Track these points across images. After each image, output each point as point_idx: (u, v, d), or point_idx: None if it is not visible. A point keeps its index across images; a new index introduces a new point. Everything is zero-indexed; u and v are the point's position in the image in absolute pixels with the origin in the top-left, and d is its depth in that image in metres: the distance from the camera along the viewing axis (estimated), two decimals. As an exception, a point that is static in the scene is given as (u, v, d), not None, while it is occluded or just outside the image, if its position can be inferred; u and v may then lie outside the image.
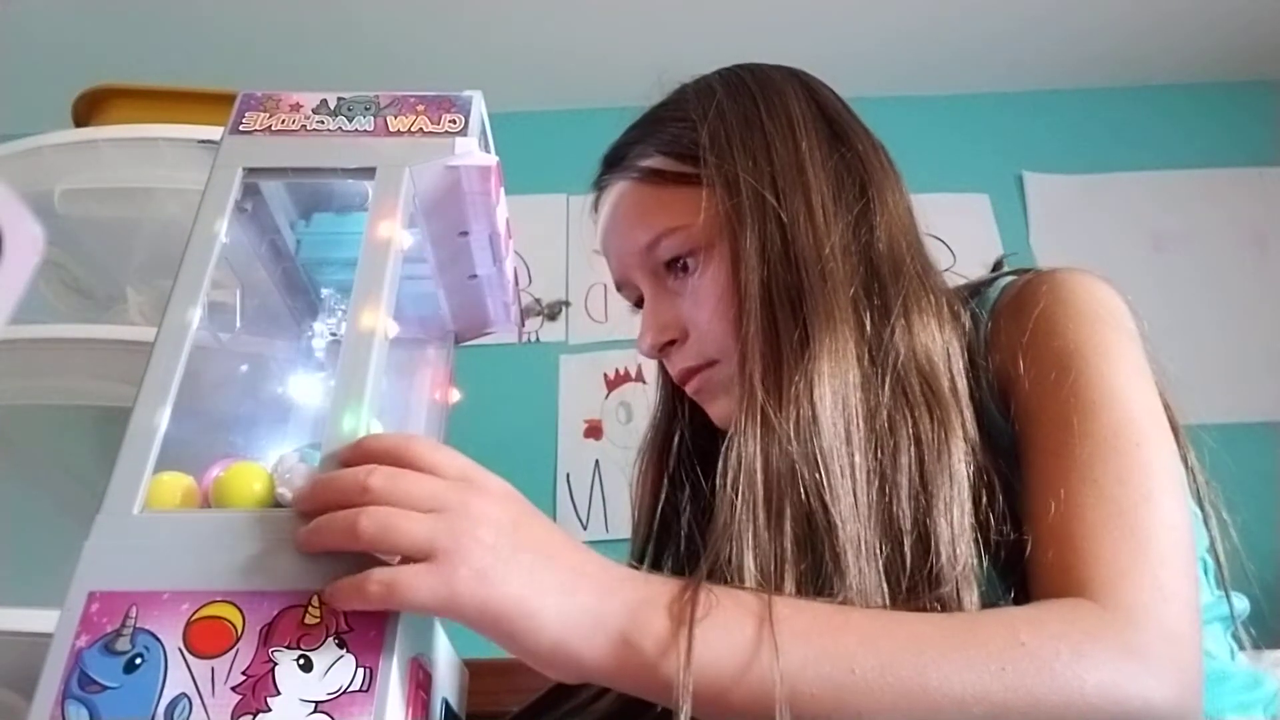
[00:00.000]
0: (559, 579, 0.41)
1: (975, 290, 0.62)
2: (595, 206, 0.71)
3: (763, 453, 0.51)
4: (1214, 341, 1.63)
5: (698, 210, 0.59)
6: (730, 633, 0.42)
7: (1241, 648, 0.59)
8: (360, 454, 0.42)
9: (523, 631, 0.40)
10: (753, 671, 0.41)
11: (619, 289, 0.70)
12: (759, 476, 0.50)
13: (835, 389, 0.52)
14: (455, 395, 0.66)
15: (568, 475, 1.55)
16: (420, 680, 0.42)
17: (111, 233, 0.94)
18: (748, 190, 0.58)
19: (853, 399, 0.53)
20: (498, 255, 0.61)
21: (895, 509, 0.50)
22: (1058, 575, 0.47)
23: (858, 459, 0.51)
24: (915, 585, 0.48)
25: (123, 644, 0.38)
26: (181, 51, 1.67)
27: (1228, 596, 0.58)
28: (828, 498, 0.49)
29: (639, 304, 0.66)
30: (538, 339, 1.67)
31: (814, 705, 0.41)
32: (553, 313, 1.70)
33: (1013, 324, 0.55)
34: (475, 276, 0.63)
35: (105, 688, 0.37)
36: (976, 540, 0.50)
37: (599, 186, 0.70)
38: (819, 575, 0.48)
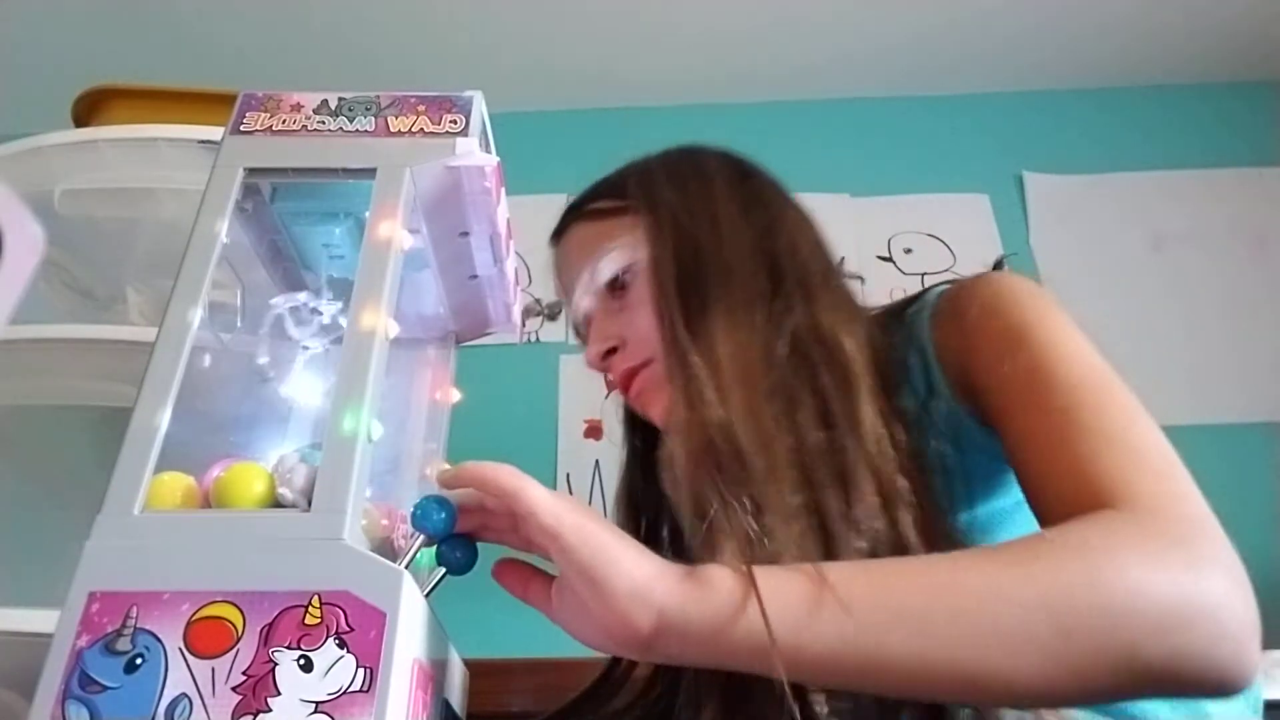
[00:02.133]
0: (635, 547, 0.45)
1: (909, 302, 0.67)
2: (555, 261, 0.77)
3: (684, 438, 0.54)
4: (1214, 341, 1.63)
5: (629, 231, 0.67)
6: (792, 589, 0.43)
7: None
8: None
9: (607, 568, 0.43)
10: (818, 626, 0.42)
11: (578, 331, 0.74)
12: (682, 465, 0.53)
13: (739, 366, 0.57)
14: (455, 395, 0.66)
15: (568, 475, 1.55)
16: (420, 680, 0.42)
17: (111, 233, 0.93)
18: (665, 211, 0.67)
19: (756, 371, 0.57)
20: (498, 255, 0.61)
21: (809, 463, 0.53)
22: (1067, 505, 0.47)
23: (765, 423, 0.55)
24: (843, 531, 0.50)
25: (123, 644, 0.38)
26: (182, 52, 1.67)
27: None
28: (746, 468, 0.52)
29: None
30: (538, 339, 1.67)
31: (882, 653, 0.42)
32: (553, 313, 1.69)
33: (955, 323, 0.60)
34: (476, 277, 0.63)
35: (106, 688, 0.37)
36: (902, 487, 0.52)
37: (552, 240, 0.77)
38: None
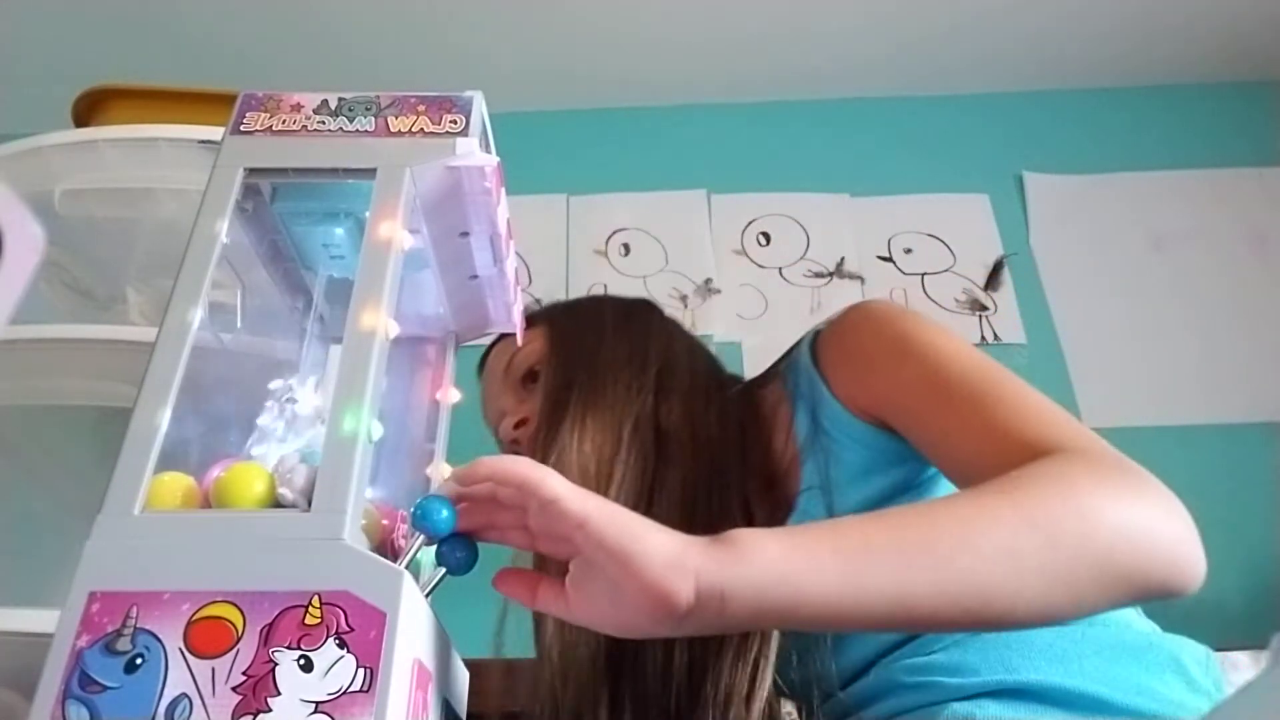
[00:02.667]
0: (657, 524, 0.46)
1: (784, 356, 0.77)
2: (482, 382, 0.91)
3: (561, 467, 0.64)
4: (1214, 342, 1.63)
5: (537, 338, 0.82)
6: (816, 544, 0.46)
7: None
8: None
9: (640, 544, 0.43)
10: (849, 575, 0.45)
11: (498, 434, 0.87)
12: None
13: (594, 464, 0.67)
14: (456, 395, 0.66)
15: (568, 475, 1.56)
16: (420, 680, 0.42)
17: (111, 233, 0.93)
18: (560, 325, 0.83)
19: (607, 468, 0.67)
20: (498, 256, 0.61)
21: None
22: (1008, 465, 0.51)
23: (612, 475, 0.67)
24: None
25: (123, 644, 0.38)
26: (182, 52, 1.67)
27: None
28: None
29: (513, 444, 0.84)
30: (538, 339, 1.68)
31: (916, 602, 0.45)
32: (553, 313, 1.70)
33: (839, 349, 0.69)
34: (476, 277, 0.63)
35: (106, 688, 0.37)
36: None
37: (479, 369, 0.92)
38: None
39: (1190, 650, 0.60)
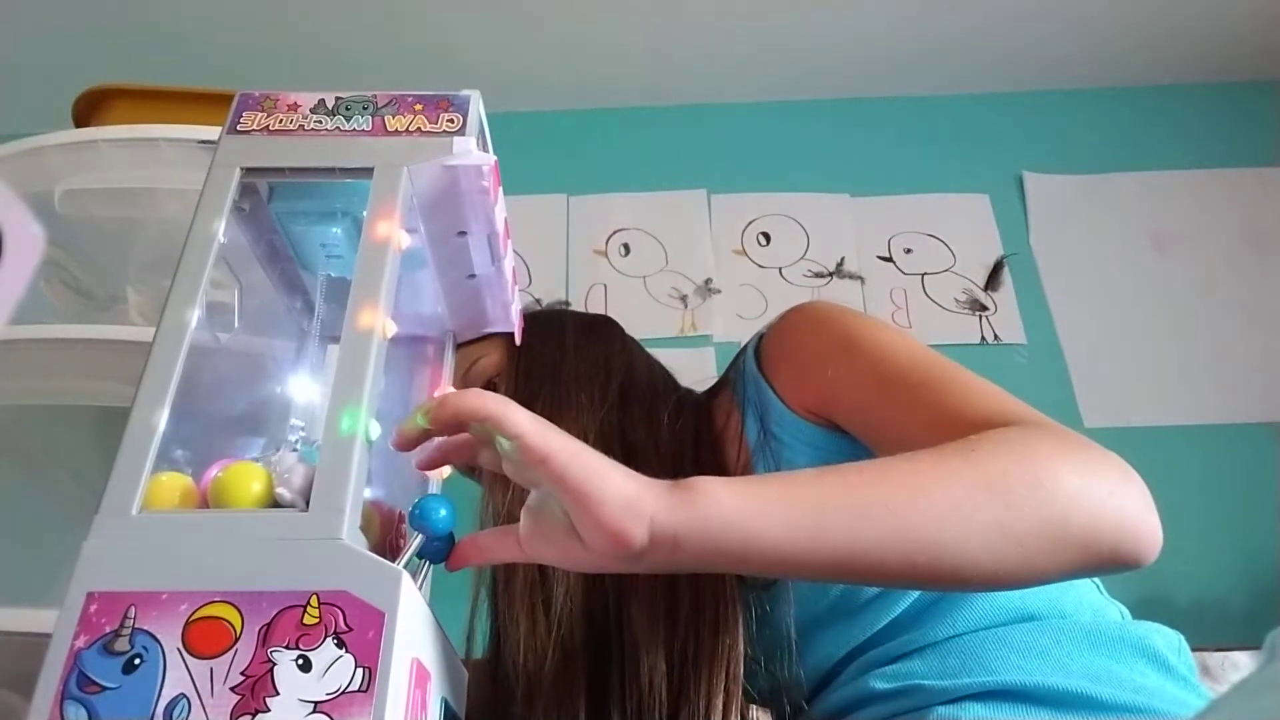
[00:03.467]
0: (618, 464, 0.47)
1: (731, 365, 0.77)
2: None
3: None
4: (1214, 341, 1.63)
5: (498, 349, 0.80)
6: (769, 494, 0.47)
7: None
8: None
9: (600, 482, 0.44)
10: (800, 523, 0.45)
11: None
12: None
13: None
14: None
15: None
16: (419, 680, 0.42)
17: (111, 233, 0.93)
18: (523, 337, 0.79)
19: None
20: (496, 255, 0.61)
21: None
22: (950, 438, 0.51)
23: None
24: None
25: (121, 644, 0.38)
26: (181, 53, 1.67)
27: None
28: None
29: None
30: (538, 339, 1.68)
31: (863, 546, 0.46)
32: (552, 313, 1.70)
33: (782, 352, 0.69)
34: (474, 276, 0.63)
35: (104, 688, 0.37)
36: None
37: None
38: None
39: (1164, 637, 0.61)
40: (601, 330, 0.85)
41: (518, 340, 0.72)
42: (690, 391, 0.82)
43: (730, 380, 0.76)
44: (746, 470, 0.69)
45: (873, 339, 0.62)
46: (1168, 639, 0.61)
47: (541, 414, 0.70)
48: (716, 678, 0.61)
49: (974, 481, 0.47)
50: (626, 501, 0.44)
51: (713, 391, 0.79)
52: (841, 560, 0.45)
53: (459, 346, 0.84)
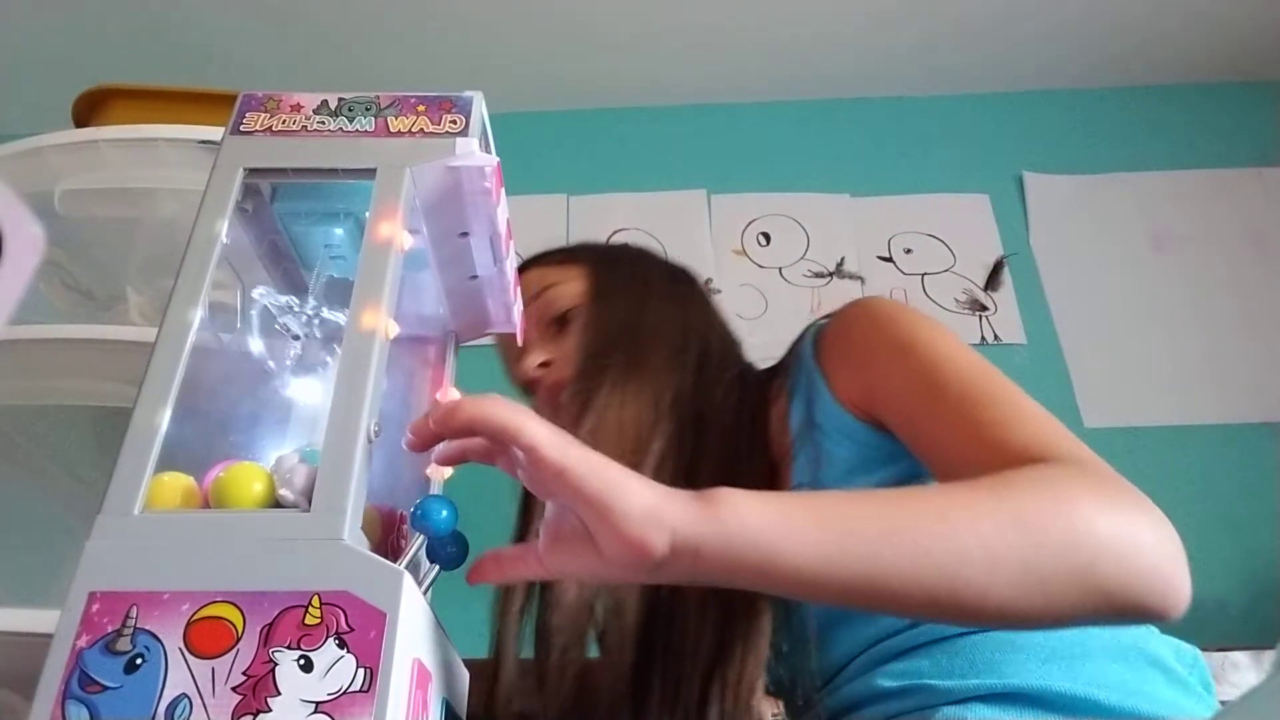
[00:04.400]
0: (638, 475, 0.46)
1: (789, 349, 0.76)
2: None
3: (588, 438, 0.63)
4: (1214, 341, 1.63)
5: (575, 279, 0.81)
6: (795, 512, 0.46)
7: None
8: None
9: (619, 494, 0.44)
10: (821, 544, 0.45)
11: (517, 366, 0.83)
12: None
13: (630, 432, 0.68)
14: (455, 395, 0.66)
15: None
16: (420, 680, 0.42)
17: (111, 233, 0.93)
18: (605, 273, 0.81)
19: (628, 434, 0.68)
20: (498, 256, 0.61)
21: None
22: (986, 472, 0.50)
23: (651, 445, 0.67)
24: None
25: (123, 644, 0.38)
26: (181, 53, 1.67)
27: None
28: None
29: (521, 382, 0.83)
30: (538, 339, 1.68)
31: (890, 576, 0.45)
32: (553, 313, 1.70)
33: (840, 344, 0.68)
34: (476, 277, 0.63)
35: (106, 688, 0.37)
36: None
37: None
38: None
39: (1179, 650, 0.61)
40: (685, 285, 0.84)
41: (519, 339, 0.72)
42: (751, 367, 0.81)
43: (786, 365, 0.75)
44: (787, 457, 0.69)
45: (929, 344, 0.61)
46: (1183, 653, 0.60)
47: (619, 364, 0.71)
48: (748, 661, 0.62)
49: (1005, 520, 0.46)
50: (646, 512, 0.44)
51: (772, 371, 0.78)
52: (863, 587, 0.45)
53: (531, 264, 0.85)
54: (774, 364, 0.79)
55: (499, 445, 0.49)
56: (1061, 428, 0.54)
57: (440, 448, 0.53)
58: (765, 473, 0.70)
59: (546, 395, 0.80)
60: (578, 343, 0.77)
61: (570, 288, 0.80)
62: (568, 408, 0.71)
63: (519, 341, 0.73)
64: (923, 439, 0.59)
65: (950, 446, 0.56)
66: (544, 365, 0.80)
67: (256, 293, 0.57)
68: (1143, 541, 0.47)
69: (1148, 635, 0.61)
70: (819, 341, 0.70)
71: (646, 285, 0.81)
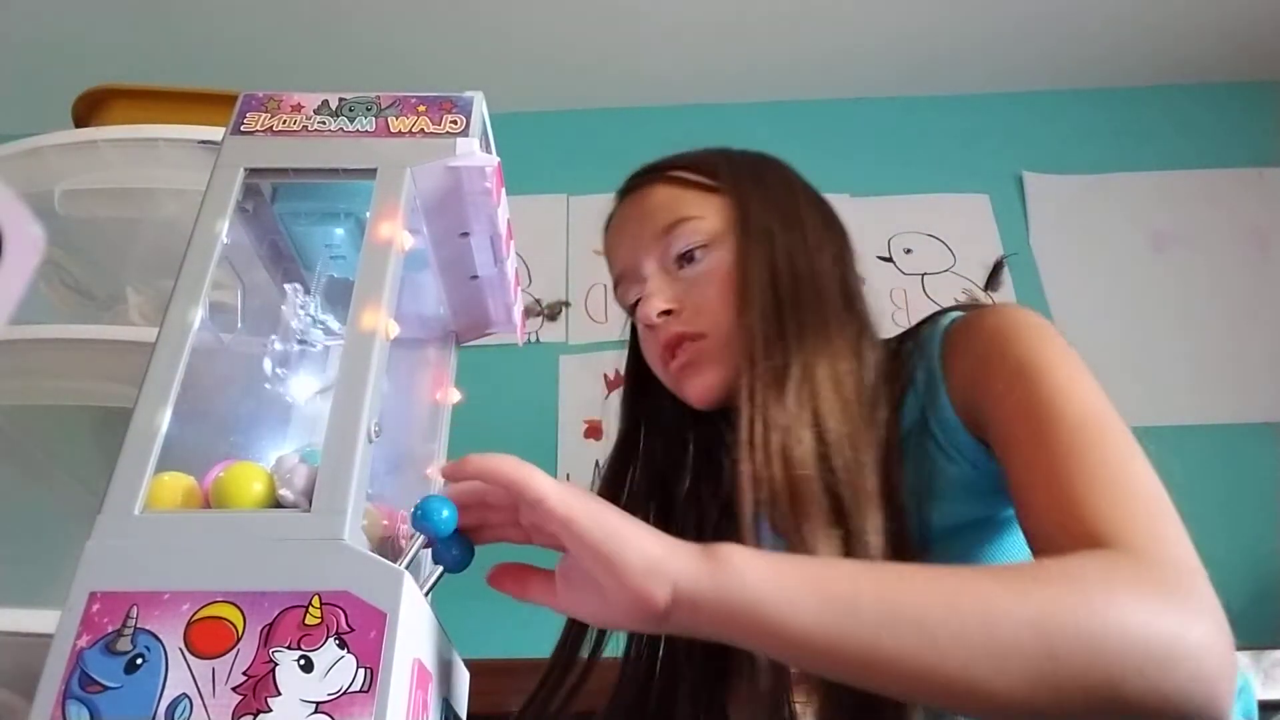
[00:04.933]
0: (644, 526, 0.46)
1: (921, 326, 0.69)
2: (609, 221, 0.79)
3: (774, 422, 0.59)
4: (1214, 342, 1.63)
5: (716, 212, 0.71)
6: (801, 578, 0.45)
7: None
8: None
9: (622, 547, 0.44)
10: (822, 614, 0.44)
11: (619, 284, 0.76)
12: (771, 443, 0.58)
13: (829, 375, 0.62)
14: (456, 395, 0.66)
15: (568, 475, 1.55)
16: (420, 680, 0.42)
17: (111, 233, 0.94)
18: (757, 210, 0.70)
19: (846, 383, 0.62)
20: (498, 256, 0.61)
21: (880, 480, 0.58)
22: (1066, 538, 0.48)
23: (848, 431, 0.60)
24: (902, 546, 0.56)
25: (123, 644, 0.38)
26: (182, 52, 1.67)
27: None
28: (834, 463, 0.57)
29: (635, 307, 0.73)
30: (538, 339, 1.67)
31: (876, 647, 0.43)
32: (553, 313, 1.70)
33: (967, 349, 0.62)
34: (476, 277, 0.63)
35: (106, 688, 0.37)
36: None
37: (621, 195, 0.78)
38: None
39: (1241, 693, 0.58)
40: (837, 221, 0.74)
41: (519, 339, 0.71)
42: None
43: (909, 346, 0.67)
44: (896, 450, 0.63)
45: (1050, 375, 0.56)
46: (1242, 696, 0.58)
47: (798, 336, 0.63)
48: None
49: (1022, 622, 0.42)
50: (649, 566, 0.44)
51: (899, 339, 0.69)
52: (858, 668, 0.44)
53: (661, 177, 0.74)
54: (901, 334, 0.70)
55: (507, 505, 0.50)
56: (1149, 504, 0.49)
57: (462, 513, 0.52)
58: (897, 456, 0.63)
59: (665, 347, 0.70)
60: (716, 297, 0.67)
61: (709, 224, 0.69)
62: (763, 382, 0.62)
63: (517, 338, 0.71)
64: (1010, 476, 0.55)
65: (1031, 498, 0.52)
66: (667, 313, 0.70)
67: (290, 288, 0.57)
68: (1181, 649, 0.42)
69: None
70: (947, 337, 0.64)
71: (802, 226, 0.70)
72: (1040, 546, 0.51)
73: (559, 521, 0.45)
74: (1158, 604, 0.43)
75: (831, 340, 0.64)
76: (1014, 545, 0.62)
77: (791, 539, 0.55)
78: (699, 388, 0.69)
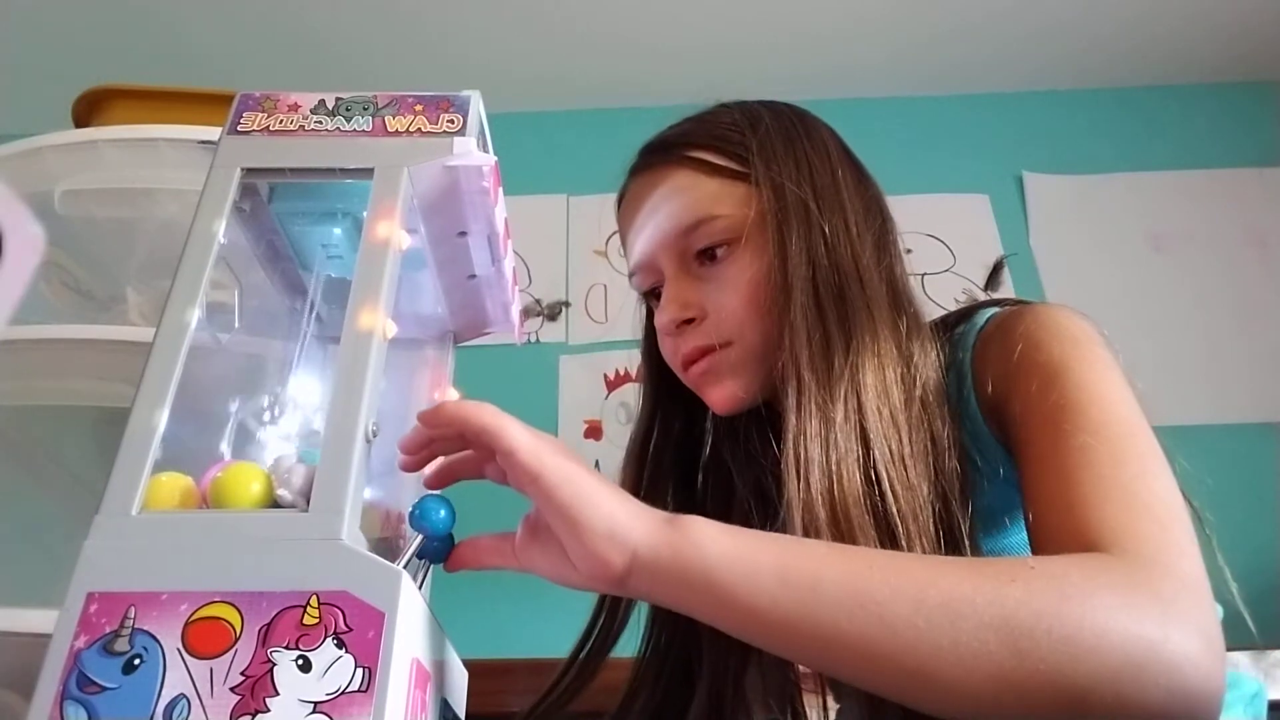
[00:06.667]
0: (613, 489, 0.46)
1: (959, 319, 0.65)
2: (622, 194, 0.74)
3: (821, 440, 0.55)
4: (1214, 342, 1.63)
5: (741, 205, 0.64)
6: (761, 535, 0.46)
7: None
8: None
9: (585, 502, 0.44)
10: (779, 562, 0.43)
11: (634, 274, 0.72)
12: (818, 463, 0.54)
13: (877, 382, 0.57)
14: (454, 395, 0.66)
15: (568, 475, 1.55)
16: (419, 680, 0.42)
17: (111, 233, 0.94)
18: (793, 198, 0.63)
19: (894, 392, 0.57)
20: (496, 255, 0.61)
21: (930, 489, 0.55)
22: (1065, 540, 0.47)
23: (899, 447, 0.56)
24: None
25: (121, 644, 0.38)
26: (182, 51, 1.67)
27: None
28: (885, 484, 0.54)
29: (650, 293, 0.71)
30: (538, 339, 1.67)
31: (831, 619, 0.42)
32: (553, 313, 1.70)
33: (999, 348, 0.58)
34: (474, 277, 0.63)
35: (104, 688, 0.37)
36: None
37: (637, 170, 0.72)
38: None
39: (1238, 683, 0.58)
40: (876, 199, 0.69)
41: (518, 339, 0.71)
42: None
43: (944, 339, 0.63)
44: (954, 448, 0.59)
45: (1077, 376, 0.53)
46: (1241, 688, 0.58)
47: (842, 340, 0.58)
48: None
49: (993, 616, 0.41)
50: (611, 530, 0.44)
51: (938, 325, 0.65)
52: (816, 652, 0.43)
53: (684, 158, 0.67)
54: (941, 319, 0.67)
55: (483, 451, 0.50)
56: (1158, 513, 0.47)
57: (430, 469, 0.53)
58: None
59: (686, 358, 0.66)
60: (740, 301, 0.62)
61: (735, 218, 0.63)
62: (806, 396, 0.57)
63: (516, 338, 0.71)
64: (1022, 474, 0.53)
65: (1036, 495, 0.51)
66: (688, 322, 0.65)
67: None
68: (1159, 660, 0.40)
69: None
70: (982, 336, 0.61)
71: (844, 210, 0.64)
72: (1038, 542, 0.50)
73: (528, 476, 0.45)
74: (1140, 611, 0.41)
75: (879, 343, 0.58)
76: None
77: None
78: (722, 397, 0.65)
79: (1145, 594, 0.42)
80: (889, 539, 0.53)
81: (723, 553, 0.44)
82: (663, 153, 0.70)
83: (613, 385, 1.63)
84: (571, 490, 0.45)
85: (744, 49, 1.77)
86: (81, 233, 0.92)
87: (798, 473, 0.54)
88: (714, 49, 1.76)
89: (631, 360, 1.63)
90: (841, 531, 0.52)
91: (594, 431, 1.60)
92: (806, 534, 0.53)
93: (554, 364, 1.65)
